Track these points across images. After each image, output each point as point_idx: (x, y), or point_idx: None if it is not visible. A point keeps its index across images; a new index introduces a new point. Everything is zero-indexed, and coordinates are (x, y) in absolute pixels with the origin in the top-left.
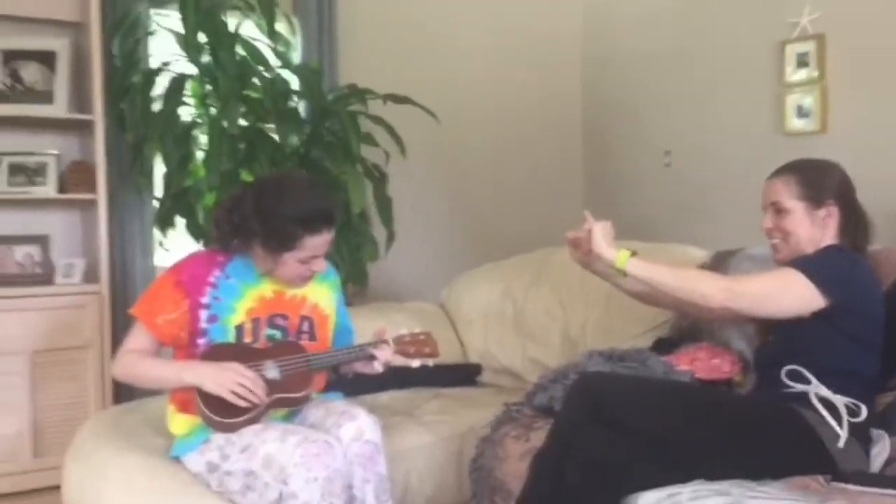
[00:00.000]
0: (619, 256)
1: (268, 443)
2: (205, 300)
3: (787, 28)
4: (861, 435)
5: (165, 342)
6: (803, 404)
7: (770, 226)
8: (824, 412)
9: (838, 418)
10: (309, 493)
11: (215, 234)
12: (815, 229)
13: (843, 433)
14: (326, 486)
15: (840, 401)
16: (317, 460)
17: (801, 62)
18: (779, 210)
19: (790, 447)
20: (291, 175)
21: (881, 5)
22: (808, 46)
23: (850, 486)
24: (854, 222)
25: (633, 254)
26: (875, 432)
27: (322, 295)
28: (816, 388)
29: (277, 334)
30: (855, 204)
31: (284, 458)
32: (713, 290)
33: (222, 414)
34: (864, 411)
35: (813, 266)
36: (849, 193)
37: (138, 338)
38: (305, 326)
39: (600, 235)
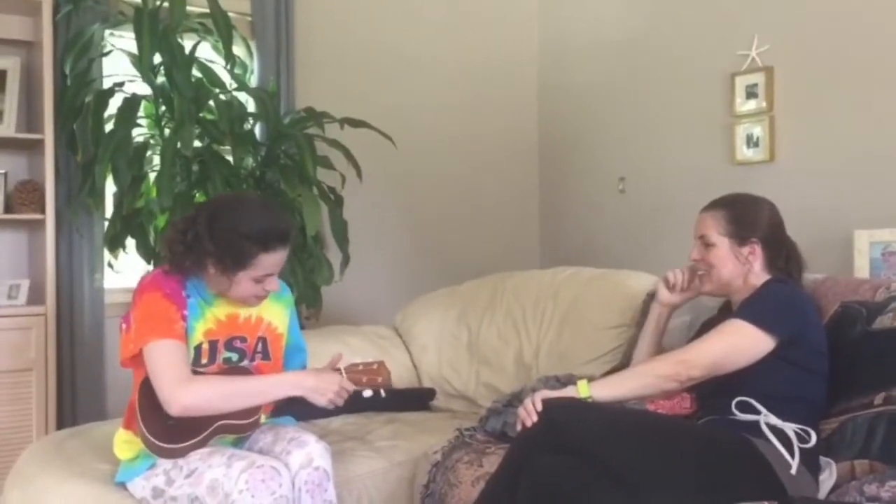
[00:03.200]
0: (580, 388)
1: (213, 468)
2: (186, 313)
3: (738, 60)
4: (811, 463)
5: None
6: (754, 433)
7: (697, 257)
8: (775, 441)
9: (789, 446)
10: None
11: (167, 254)
12: (737, 265)
13: (794, 461)
14: None
15: (790, 428)
16: (263, 486)
17: (751, 93)
18: (706, 243)
19: (742, 476)
20: (245, 195)
21: (828, 38)
22: (758, 78)
23: None
24: (784, 257)
25: (590, 379)
26: (823, 460)
27: (276, 313)
28: (766, 418)
29: (234, 356)
30: (783, 239)
31: (229, 484)
32: (669, 372)
33: (166, 439)
34: (814, 437)
35: (756, 311)
36: (776, 230)
37: (176, 359)
38: (260, 347)
39: None
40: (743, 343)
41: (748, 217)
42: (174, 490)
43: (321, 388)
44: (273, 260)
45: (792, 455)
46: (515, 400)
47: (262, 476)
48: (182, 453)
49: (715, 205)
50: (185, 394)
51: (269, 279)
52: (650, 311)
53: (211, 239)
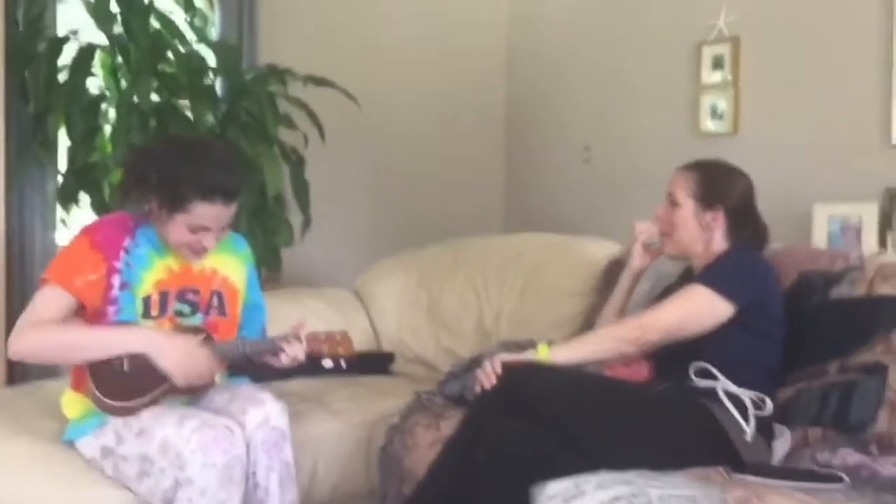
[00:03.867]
0: (539, 351)
1: (165, 427)
2: (118, 265)
3: (705, 30)
4: (766, 430)
5: (86, 307)
6: (711, 399)
7: (661, 214)
8: (731, 408)
9: (745, 413)
10: (206, 479)
11: (120, 181)
12: (699, 230)
13: (750, 428)
14: (225, 473)
15: (746, 394)
16: (215, 445)
17: (717, 64)
18: (673, 202)
19: (697, 441)
20: (209, 141)
21: (795, 10)
22: (724, 49)
23: (750, 477)
24: (748, 231)
25: (550, 343)
26: (777, 427)
27: (233, 268)
28: (724, 384)
29: (186, 308)
30: (751, 214)
31: (181, 443)
32: (627, 336)
33: (117, 397)
34: (769, 404)
35: (716, 278)
36: (746, 204)
37: (49, 307)
38: (215, 301)
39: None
40: (701, 309)
41: (719, 185)
42: (124, 449)
43: (171, 349)
44: (211, 212)
45: (747, 422)
46: (475, 364)
47: (215, 436)
48: (132, 411)
49: (691, 166)
50: (17, 339)
51: (205, 234)
52: (620, 278)
53: (157, 172)
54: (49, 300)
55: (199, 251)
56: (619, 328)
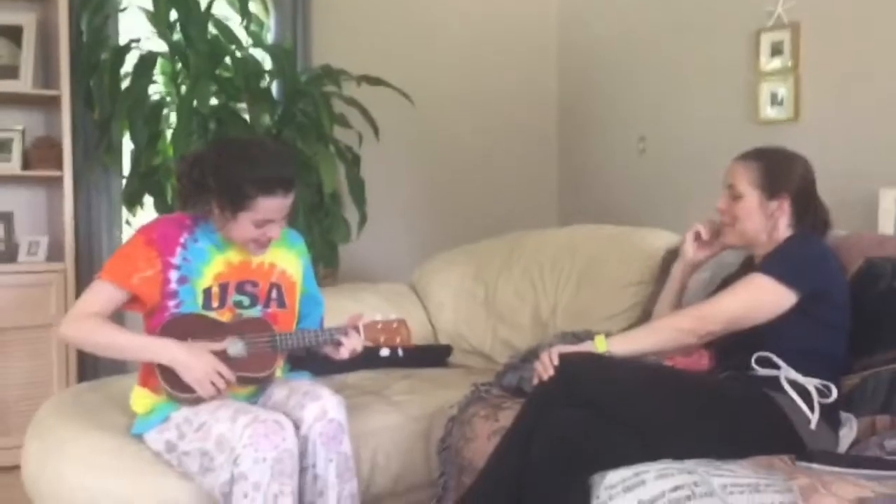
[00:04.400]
0: (597, 343)
1: (220, 422)
2: (175, 261)
3: (763, 16)
4: (831, 418)
5: (145, 301)
6: (774, 388)
7: (723, 207)
8: (795, 396)
9: (809, 401)
10: (258, 473)
11: (178, 188)
12: (764, 220)
13: (815, 416)
14: (276, 467)
15: (810, 383)
16: (265, 440)
17: (776, 51)
18: (734, 194)
19: (761, 430)
20: (257, 138)
21: None
22: (783, 35)
23: (815, 465)
24: (811, 216)
25: (608, 334)
26: (843, 415)
27: (289, 261)
28: (786, 372)
29: (245, 300)
30: (813, 198)
31: (234, 438)
32: (687, 326)
33: (184, 388)
34: (835, 392)
35: (778, 266)
36: (808, 188)
37: (99, 299)
38: (274, 294)
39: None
40: (763, 298)
41: (781, 171)
42: (186, 444)
43: (190, 366)
44: (273, 205)
45: (812, 410)
46: (532, 356)
47: (266, 430)
48: (200, 401)
49: (749, 155)
50: (63, 327)
51: (270, 225)
52: (673, 269)
53: (215, 177)
54: (97, 294)
55: (265, 244)
56: (679, 318)
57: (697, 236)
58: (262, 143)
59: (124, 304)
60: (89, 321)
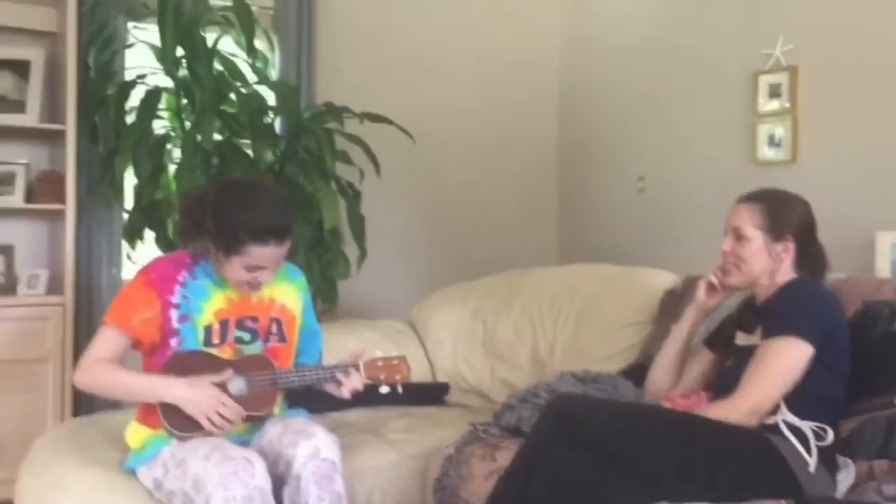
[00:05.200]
0: None
1: (196, 460)
2: (175, 299)
3: (761, 59)
4: (829, 461)
5: (143, 343)
6: (772, 431)
7: (727, 249)
8: (793, 439)
9: (806, 444)
10: None
11: (178, 224)
12: (769, 261)
13: (812, 460)
14: None
15: (807, 426)
16: (234, 478)
17: (774, 93)
18: (739, 236)
19: (759, 473)
20: (258, 183)
21: (853, 38)
22: (781, 78)
23: None
24: (811, 257)
25: None
26: (841, 459)
27: (289, 296)
28: (784, 415)
29: (246, 336)
30: (813, 239)
31: (206, 477)
32: (745, 420)
33: (184, 428)
34: (831, 434)
35: (793, 321)
36: (809, 230)
37: (106, 345)
38: (274, 328)
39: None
40: (795, 358)
41: (784, 213)
42: (169, 482)
43: (194, 400)
44: (265, 253)
45: (809, 453)
46: (530, 395)
47: (234, 468)
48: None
49: (752, 197)
50: (76, 374)
51: (261, 271)
52: (684, 316)
53: (213, 218)
54: (105, 340)
55: (256, 286)
56: (729, 412)
57: (710, 286)
58: (261, 190)
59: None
60: (99, 368)
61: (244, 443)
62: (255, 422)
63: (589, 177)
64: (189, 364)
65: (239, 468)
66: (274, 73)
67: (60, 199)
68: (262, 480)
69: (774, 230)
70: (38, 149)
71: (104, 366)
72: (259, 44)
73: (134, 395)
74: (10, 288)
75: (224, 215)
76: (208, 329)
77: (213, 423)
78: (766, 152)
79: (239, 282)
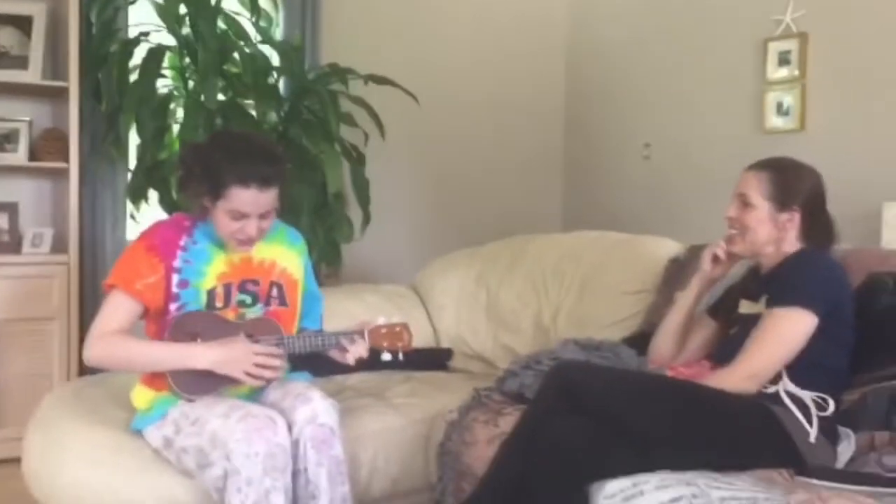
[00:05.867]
0: None
1: (214, 418)
2: (176, 264)
3: (771, 25)
4: (830, 432)
5: (149, 308)
6: (773, 400)
7: (732, 215)
8: (794, 409)
9: (807, 414)
10: (250, 468)
11: (178, 174)
12: (774, 231)
13: (813, 430)
14: (268, 462)
15: (808, 396)
16: (257, 435)
17: (783, 60)
18: (745, 203)
19: (760, 442)
20: (252, 134)
21: (865, 5)
22: (791, 45)
23: (814, 481)
24: (818, 229)
25: None
26: (842, 430)
27: (290, 260)
28: (785, 385)
29: (248, 299)
30: (822, 211)
31: (227, 433)
32: (742, 385)
33: (194, 391)
34: (832, 405)
35: (798, 292)
36: (818, 201)
37: (116, 314)
38: (275, 292)
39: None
40: (798, 328)
41: (793, 183)
42: (182, 439)
43: (230, 360)
44: (247, 197)
45: (810, 423)
46: (533, 362)
47: (258, 425)
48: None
49: (761, 165)
50: (87, 349)
51: (246, 221)
52: (689, 286)
53: (201, 164)
54: (115, 308)
55: (245, 241)
56: (728, 379)
57: (715, 258)
58: (252, 139)
59: None
60: (112, 338)
61: None
62: (260, 385)
63: (594, 143)
64: (195, 326)
65: (262, 425)
66: (278, 33)
67: (64, 157)
68: (284, 438)
69: (781, 200)
70: (40, 106)
71: (117, 337)
72: (263, 2)
73: (157, 365)
74: (14, 246)
75: (212, 160)
76: (211, 292)
77: (254, 377)
78: (773, 120)
79: (227, 234)
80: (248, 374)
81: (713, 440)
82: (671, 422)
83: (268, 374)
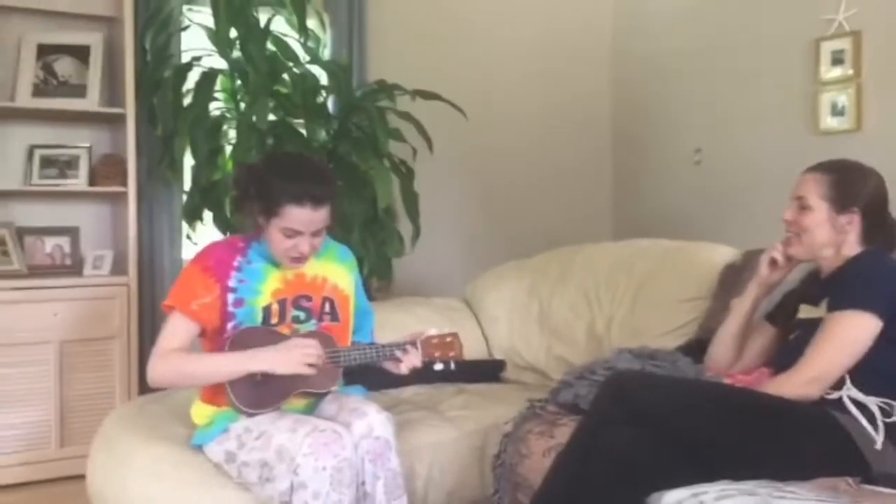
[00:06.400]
0: None
1: (280, 432)
2: (231, 283)
3: (823, 25)
4: None
5: (206, 327)
6: (836, 407)
7: (790, 218)
8: (859, 415)
9: (873, 420)
10: (318, 482)
11: (232, 193)
12: (833, 233)
13: (879, 436)
14: (335, 476)
15: (872, 402)
16: (325, 449)
17: (837, 60)
18: (802, 205)
19: (823, 451)
20: (304, 156)
21: None
22: (844, 44)
23: (882, 489)
24: (880, 231)
25: None
26: None
27: (340, 276)
28: (849, 391)
29: (302, 315)
30: (884, 213)
31: (294, 447)
32: (800, 393)
33: (255, 406)
34: None
35: (861, 296)
36: (879, 203)
37: (174, 335)
38: (327, 307)
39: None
40: (861, 332)
41: (853, 185)
42: (245, 454)
43: (286, 359)
44: (301, 216)
45: (876, 430)
46: (587, 372)
47: (325, 440)
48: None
49: (820, 167)
50: (150, 371)
51: (299, 238)
52: (746, 291)
53: (256, 184)
54: (173, 329)
55: (297, 258)
56: (785, 387)
57: (773, 260)
58: (304, 159)
59: None
60: (174, 356)
61: None
62: (315, 398)
63: (644, 150)
64: (253, 342)
65: (329, 440)
66: (326, 53)
67: (122, 181)
68: (351, 453)
69: (839, 202)
70: (99, 132)
71: (177, 354)
72: (311, 23)
73: (216, 374)
74: (77, 269)
75: (267, 179)
76: (267, 309)
77: (311, 366)
78: (828, 121)
79: (280, 252)
80: (307, 366)
81: (775, 449)
82: (731, 431)
83: (312, 359)
